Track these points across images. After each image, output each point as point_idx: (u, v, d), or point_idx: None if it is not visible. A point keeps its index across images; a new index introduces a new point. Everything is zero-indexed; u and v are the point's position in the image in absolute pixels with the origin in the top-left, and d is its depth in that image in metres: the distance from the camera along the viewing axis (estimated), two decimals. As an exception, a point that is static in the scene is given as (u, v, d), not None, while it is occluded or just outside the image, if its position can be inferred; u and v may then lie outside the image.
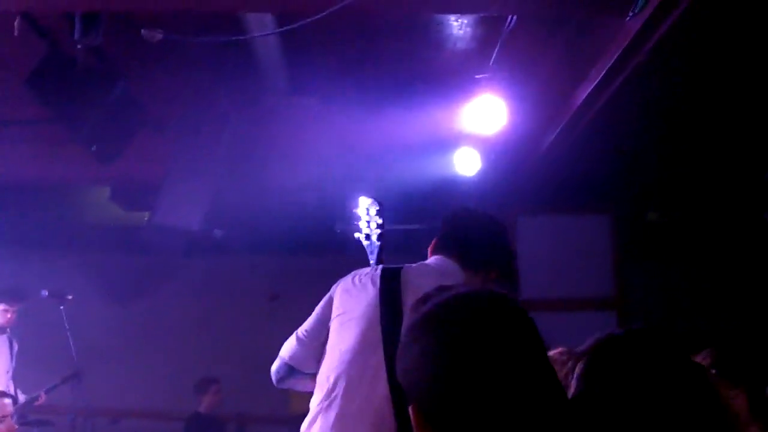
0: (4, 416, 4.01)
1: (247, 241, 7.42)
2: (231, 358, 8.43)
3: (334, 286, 2.82)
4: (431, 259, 2.89)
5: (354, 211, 3.15)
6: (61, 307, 7.00)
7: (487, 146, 5.92)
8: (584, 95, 5.00)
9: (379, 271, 2.77)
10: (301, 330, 2.83)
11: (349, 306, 2.71)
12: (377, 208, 3.08)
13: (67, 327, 6.94)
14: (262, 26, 4.37)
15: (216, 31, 4.31)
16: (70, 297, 7.11)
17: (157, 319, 8.80)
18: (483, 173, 6.18)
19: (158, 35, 4.28)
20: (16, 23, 4.25)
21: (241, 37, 4.24)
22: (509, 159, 6.21)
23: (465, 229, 2.94)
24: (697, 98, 5.56)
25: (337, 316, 2.73)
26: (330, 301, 2.79)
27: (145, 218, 6.56)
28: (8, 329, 6.58)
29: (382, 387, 2.53)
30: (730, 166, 6.78)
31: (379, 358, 2.57)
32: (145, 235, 6.25)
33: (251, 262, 8.56)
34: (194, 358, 8.49)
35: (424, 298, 1.50)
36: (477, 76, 5.15)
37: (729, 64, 4.95)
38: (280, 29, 4.23)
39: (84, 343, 7.14)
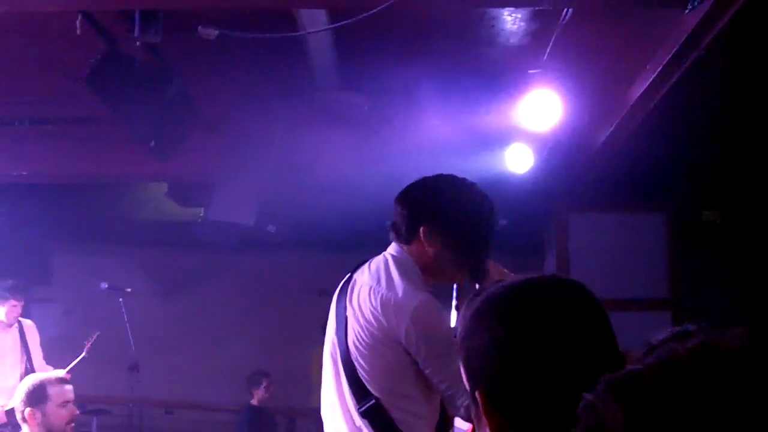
0: (66, 402, 4.09)
1: (297, 238, 7.48)
2: (282, 353, 8.51)
3: None
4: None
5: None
6: (120, 300, 7.14)
7: (539, 142, 5.87)
8: (641, 90, 4.92)
9: (348, 274, 2.67)
10: None
11: (329, 315, 2.68)
12: None
13: (126, 319, 7.08)
14: (314, 23, 4.40)
15: (269, 29, 4.35)
16: (128, 290, 7.26)
17: (210, 312, 8.94)
18: (535, 170, 6.13)
19: (213, 33, 4.34)
20: (78, 22, 4.33)
21: (294, 34, 4.27)
22: (562, 155, 6.14)
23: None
24: (757, 94, 5.45)
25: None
26: None
27: (201, 214, 6.66)
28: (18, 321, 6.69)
29: (353, 402, 2.52)
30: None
31: (337, 371, 2.57)
32: (199, 230, 6.34)
33: (301, 258, 8.62)
34: (246, 351, 8.59)
35: (479, 291, 1.51)
36: (531, 71, 5.10)
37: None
38: (332, 25, 4.25)
39: (140, 335, 7.28)
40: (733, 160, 6.70)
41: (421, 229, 2.57)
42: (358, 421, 2.49)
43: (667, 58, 4.47)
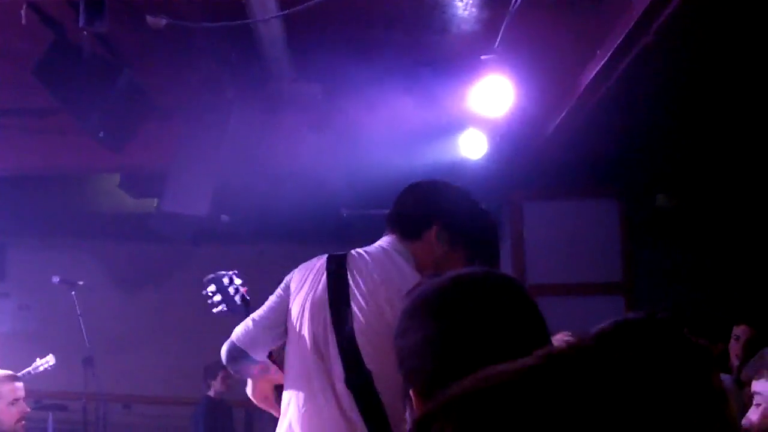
0: (16, 399, 4.04)
1: (253, 228, 7.43)
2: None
3: (289, 275, 2.71)
4: (380, 240, 2.66)
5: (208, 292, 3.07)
6: (73, 293, 7.04)
7: (493, 128, 5.90)
8: (591, 76, 4.96)
9: (324, 259, 2.61)
10: (257, 314, 2.74)
11: (302, 297, 2.59)
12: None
13: (79, 313, 6.99)
14: (265, 12, 4.36)
15: (220, 17, 4.31)
16: (81, 283, 7.16)
17: (167, 305, 8.87)
18: (489, 156, 6.16)
19: (163, 21, 4.29)
20: (23, 12, 4.27)
21: (244, 21, 4.23)
22: (515, 141, 6.18)
23: (399, 196, 2.66)
24: (706, 79, 5.51)
25: (294, 307, 2.61)
26: (286, 288, 2.67)
27: (154, 205, 6.60)
28: None
29: (340, 386, 2.45)
30: (741, 149, 6.73)
31: (334, 351, 2.47)
32: (153, 222, 6.27)
33: (257, 249, 8.58)
34: (203, 344, 8.50)
35: (417, 284, 1.50)
36: (483, 57, 5.11)
37: (738, 45, 4.89)
38: (281, 13, 4.22)
39: (96, 329, 7.19)
40: (685, 146, 6.78)
41: (435, 227, 2.53)
42: (347, 402, 2.43)
43: (617, 44, 4.50)
